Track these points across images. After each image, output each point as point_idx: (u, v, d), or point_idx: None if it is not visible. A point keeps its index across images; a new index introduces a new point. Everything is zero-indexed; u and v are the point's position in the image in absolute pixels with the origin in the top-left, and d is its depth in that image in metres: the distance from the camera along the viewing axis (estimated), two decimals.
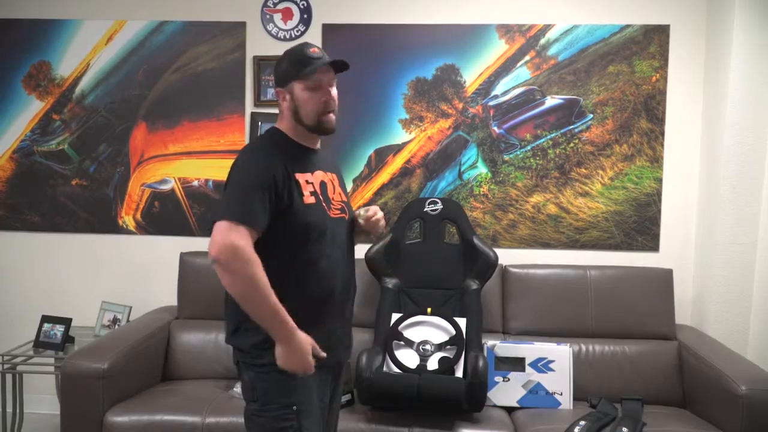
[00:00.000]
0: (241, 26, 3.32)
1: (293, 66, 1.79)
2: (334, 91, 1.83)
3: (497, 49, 3.24)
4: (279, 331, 1.68)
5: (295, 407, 1.74)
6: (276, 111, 3.23)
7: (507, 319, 3.06)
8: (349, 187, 3.31)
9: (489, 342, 2.83)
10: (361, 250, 2.82)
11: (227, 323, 1.83)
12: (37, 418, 3.32)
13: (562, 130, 3.24)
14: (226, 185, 1.75)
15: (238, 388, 2.71)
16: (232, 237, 1.62)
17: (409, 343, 2.72)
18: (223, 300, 1.83)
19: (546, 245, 3.28)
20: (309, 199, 1.76)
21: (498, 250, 2.99)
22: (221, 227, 1.64)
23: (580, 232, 3.26)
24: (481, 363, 2.55)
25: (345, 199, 1.93)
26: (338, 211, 1.86)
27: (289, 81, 1.80)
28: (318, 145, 1.90)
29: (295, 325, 1.69)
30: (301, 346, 1.70)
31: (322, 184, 1.83)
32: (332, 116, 1.83)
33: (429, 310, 2.82)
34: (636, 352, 2.90)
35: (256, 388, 1.76)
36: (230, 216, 1.65)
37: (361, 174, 3.33)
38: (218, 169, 3.36)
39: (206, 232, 3.32)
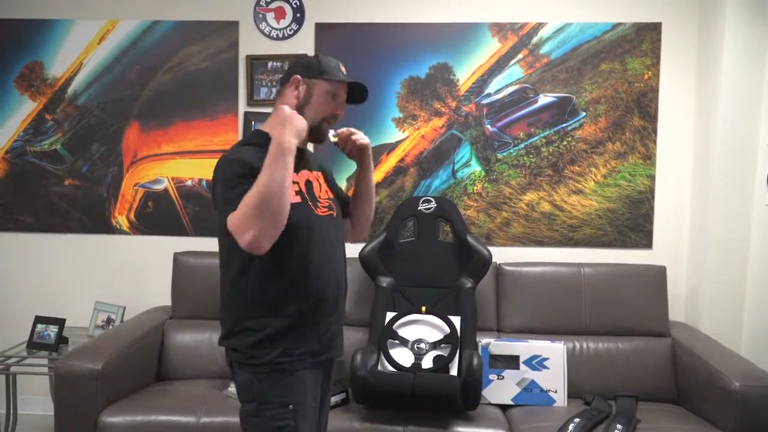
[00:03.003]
0: (233, 25, 3.31)
1: (326, 67, 1.81)
2: None
3: (490, 48, 3.24)
4: (279, 156, 1.62)
5: (291, 406, 1.73)
6: (269, 111, 3.30)
7: (501, 317, 3.07)
8: (343, 186, 3.30)
9: (483, 340, 2.83)
10: (355, 249, 2.83)
11: (222, 325, 1.82)
12: (31, 419, 3.31)
13: (555, 128, 3.24)
14: (213, 187, 1.78)
15: (232, 388, 2.70)
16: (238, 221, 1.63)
17: (403, 342, 2.72)
18: (218, 300, 1.83)
19: (540, 243, 3.28)
20: (294, 198, 1.75)
21: (492, 248, 2.99)
22: (231, 222, 1.64)
23: (573, 229, 3.26)
24: (475, 361, 2.56)
25: (332, 196, 1.94)
26: (326, 209, 1.86)
27: (316, 76, 1.80)
28: (307, 145, 1.90)
29: (275, 142, 1.64)
30: (283, 131, 1.65)
31: (308, 183, 1.84)
32: (330, 129, 1.86)
33: (423, 308, 2.82)
34: (630, 349, 2.91)
35: (252, 389, 1.75)
36: (230, 209, 1.65)
37: (355, 172, 3.31)
38: (211, 169, 3.22)
39: (201, 232, 3.36)
